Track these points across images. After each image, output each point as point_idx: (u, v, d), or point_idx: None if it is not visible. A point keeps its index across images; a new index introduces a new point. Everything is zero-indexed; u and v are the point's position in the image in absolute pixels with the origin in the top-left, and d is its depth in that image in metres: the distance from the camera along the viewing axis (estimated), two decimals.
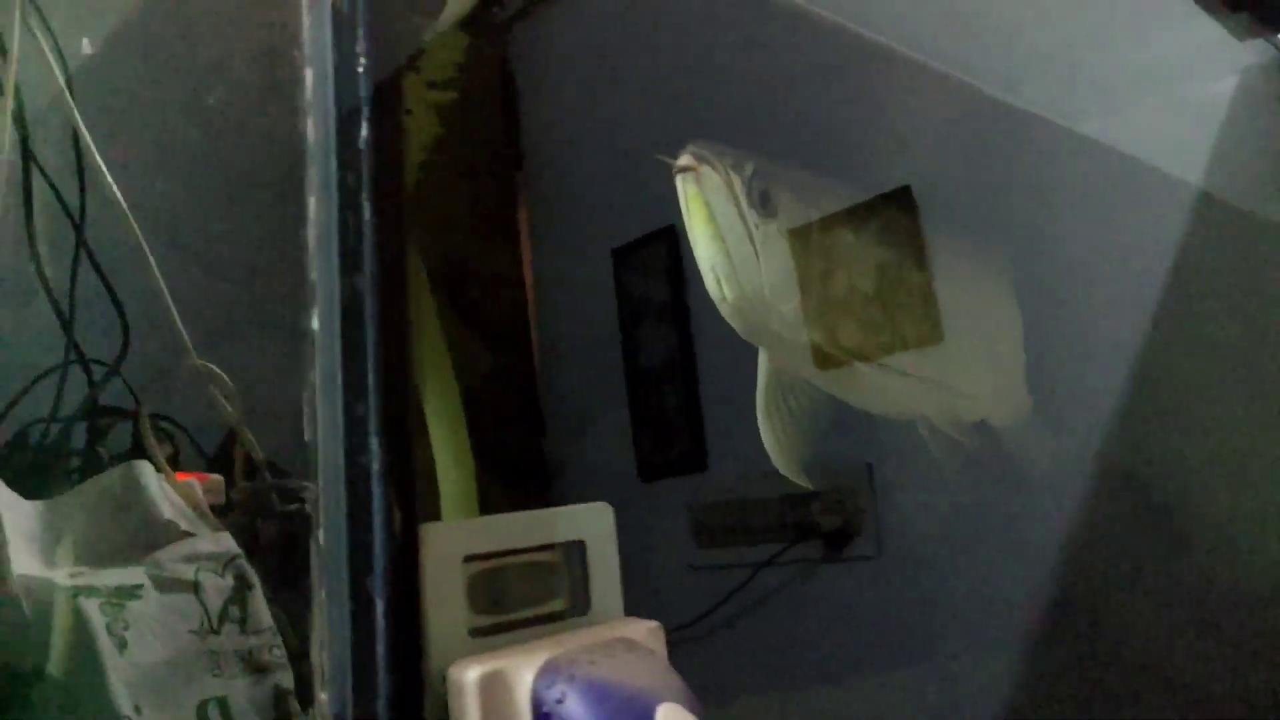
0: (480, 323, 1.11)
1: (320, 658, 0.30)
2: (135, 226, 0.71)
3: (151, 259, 0.73)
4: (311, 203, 0.31)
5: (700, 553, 1.32)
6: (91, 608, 0.61)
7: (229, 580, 0.70)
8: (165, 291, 0.73)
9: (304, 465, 0.85)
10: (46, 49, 0.70)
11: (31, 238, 0.72)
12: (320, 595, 0.30)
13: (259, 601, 0.71)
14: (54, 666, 0.56)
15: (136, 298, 0.77)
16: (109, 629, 0.60)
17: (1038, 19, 0.87)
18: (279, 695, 0.64)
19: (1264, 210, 0.95)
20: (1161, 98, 0.92)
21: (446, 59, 0.77)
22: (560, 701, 0.31)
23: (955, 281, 0.99)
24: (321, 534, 0.30)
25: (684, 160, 0.76)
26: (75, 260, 0.74)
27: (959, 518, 1.04)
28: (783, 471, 0.90)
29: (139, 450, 0.80)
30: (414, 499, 0.31)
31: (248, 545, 0.74)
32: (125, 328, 0.78)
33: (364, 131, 0.32)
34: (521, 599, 0.34)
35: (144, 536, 0.68)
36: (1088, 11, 0.90)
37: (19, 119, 0.65)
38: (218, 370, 0.77)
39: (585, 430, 1.48)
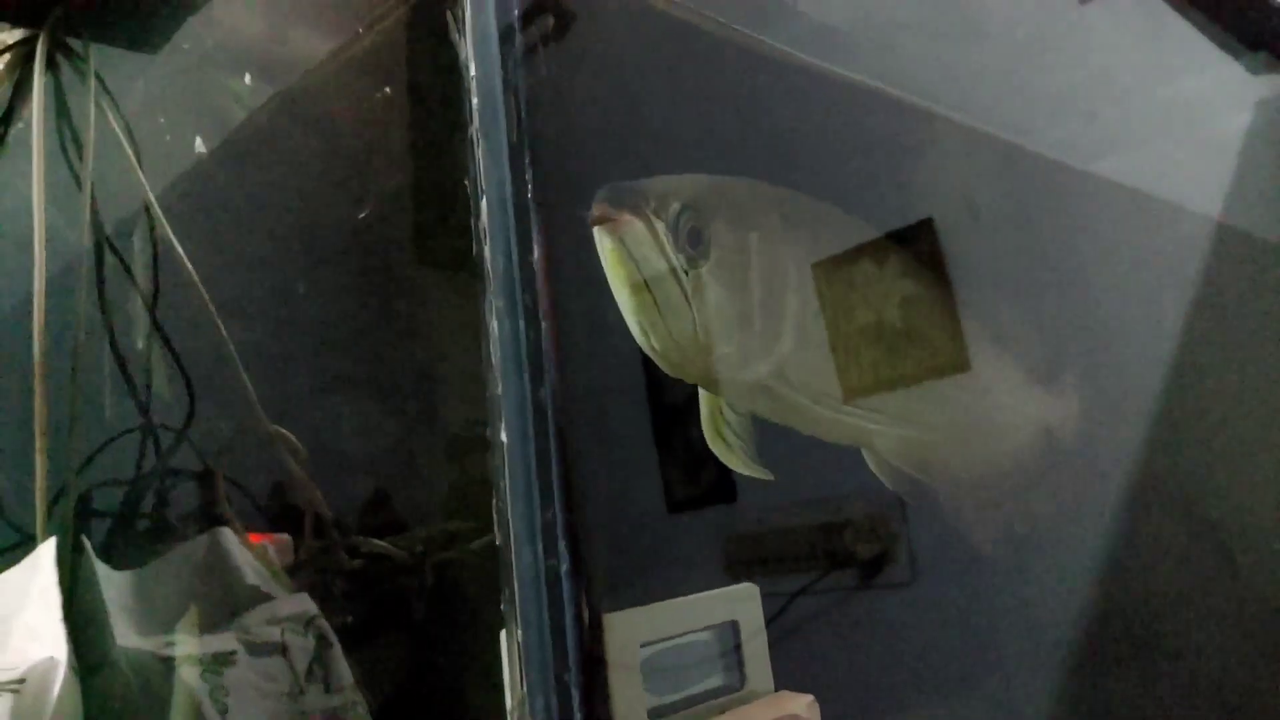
0: None
1: None
2: (205, 295, 0.73)
3: (220, 324, 0.74)
4: (494, 324, 0.33)
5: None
6: (194, 677, 0.62)
7: (311, 640, 0.72)
8: (235, 355, 0.75)
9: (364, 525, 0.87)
10: (118, 128, 0.72)
11: (105, 309, 0.74)
12: (521, 691, 0.32)
13: (339, 659, 0.73)
14: None
15: (203, 364, 0.79)
16: (212, 697, 0.62)
17: (1059, 66, 0.90)
18: None
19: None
20: (1179, 134, 0.96)
21: None
22: None
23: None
24: (520, 632, 0.32)
25: (599, 211, 0.65)
26: (150, 325, 0.76)
27: (999, 540, 1.07)
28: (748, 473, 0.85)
29: (206, 513, 0.81)
30: (595, 592, 0.33)
31: (321, 604, 0.76)
32: (191, 393, 0.80)
33: (535, 254, 0.34)
34: (686, 679, 0.36)
35: (229, 602, 0.70)
36: (1107, 55, 0.93)
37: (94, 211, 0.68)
38: (286, 432, 0.78)
39: (610, 463, 1.50)
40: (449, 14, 0.38)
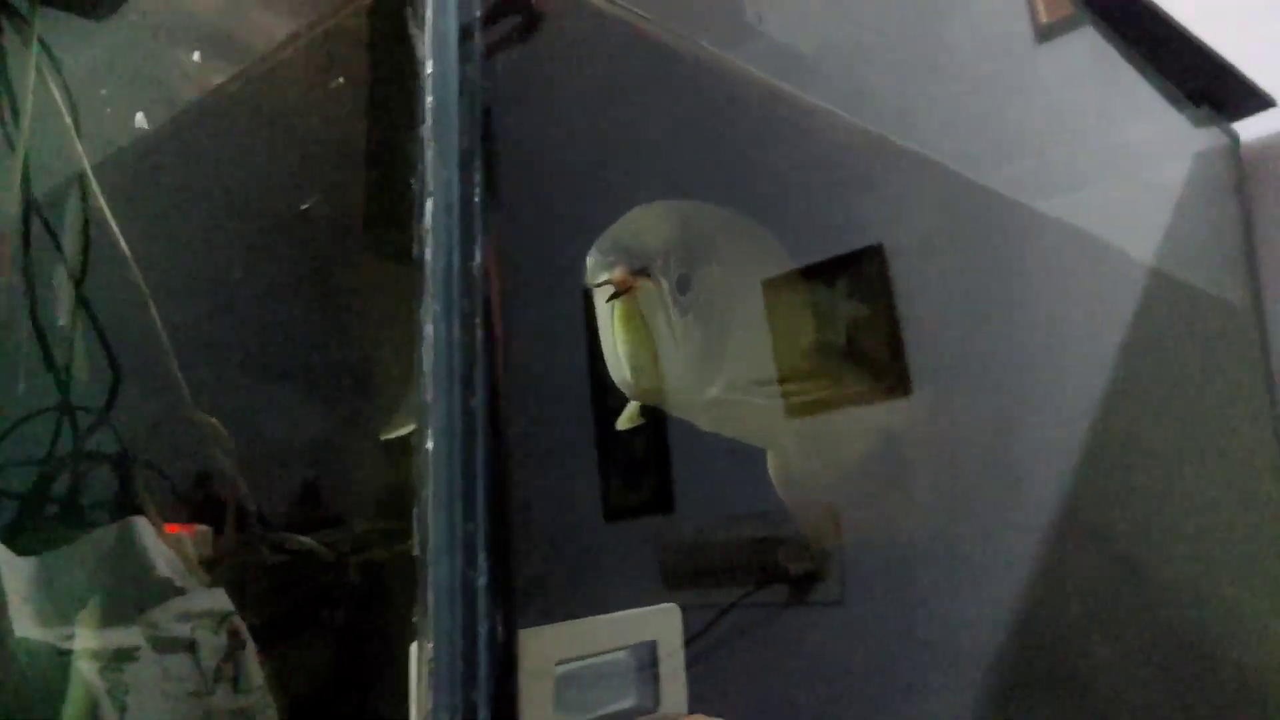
0: None
1: None
2: (138, 273, 0.70)
3: (152, 305, 0.72)
4: (428, 328, 0.33)
5: (667, 595, 1.34)
6: (93, 673, 0.59)
7: (223, 638, 0.70)
8: (165, 338, 0.72)
9: (291, 521, 0.85)
10: (58, 95, 0.69)
11: (30, 281, 0.71)
12: (428, 705, 0.31)
13: (251, 659, 0.71)
14: None
15: (130, 345, 0.76)
16: (111, 694, 0.59)
17: (1012, 104, 0.92)
18: None
19: (1212, 289, 1.01)
20: (1123, 180, 0.98)
21: None
22: None
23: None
24: (430, 645, 0.31)
25: (619, 277, 0.69)
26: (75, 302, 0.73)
27: (924, 563, 1.08)
28: None
29: (122, 500, 0.78)
30: (515, 609, 0.33)
31: (238, 600, 0.73)
32: (116, 374, 0.77)
33: (478, 259, 0.33)
34: (599, 699, 0.35)
35: (138, 594, 0.67)
36: (1058, 97, 0.95)
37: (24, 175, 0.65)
38: (213, 421, 0.76)
39: (551, 471, 1.49)
40: (408, 7, 0.37)
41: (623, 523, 1.43)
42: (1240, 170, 1.03)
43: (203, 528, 0.79)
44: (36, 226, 0.72)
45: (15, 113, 0.66)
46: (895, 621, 1.09)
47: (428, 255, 0.33)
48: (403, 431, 0.82)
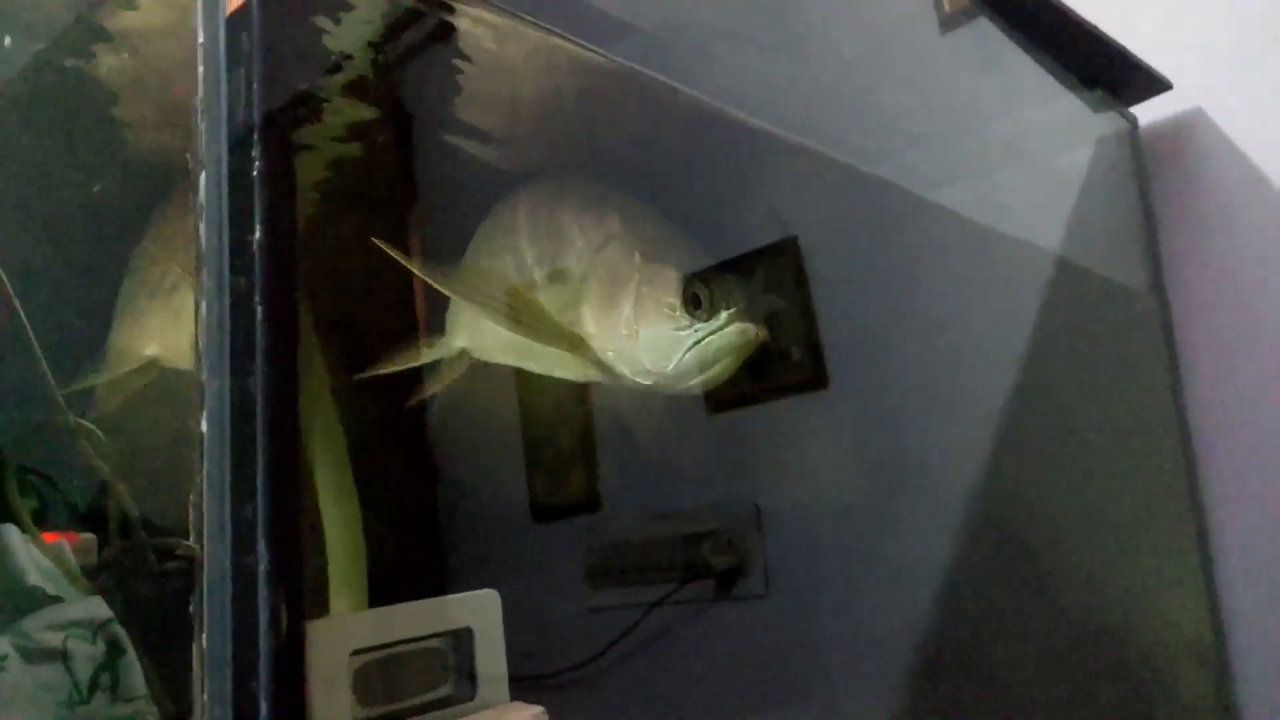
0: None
1: None
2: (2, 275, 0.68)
3: (18, 304, 0.70)
4: (203, 305, 0.31)
5: (595, 594, 1.33)
6: None
7: (101, 646, 0.68)
8: (32, 338, 0.70)
9: (182, 525, 0.82)
10: None
11: None
12: (203, 698, 0.30)
13: (133, 668, 0.69)
14: None
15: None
16: None
17: (913, 101, 0.92)
18: None
19: (1115, 274, 1.02)
20: (1025, 168, 0.99)
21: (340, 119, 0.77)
22: None
23: None
24: (205, 637, 0.30)
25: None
26: None
27: (842, 557, 1.08)
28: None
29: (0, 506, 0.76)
30: (302, 598, 0.31)
31: (122, 608, 0.71)
32: None
33: (258, 235, 0.32)
34: (408, 688, 0.34)
35: (9, 603, 0.65)
36: (963, 90, 0.96)
37: None
38: (90, 425, 0.74)
39: (478, 473, 1.48)
40: None
41: (551, 524, 1.42)
42: (1139, 154, 1.04)
43: (87, 535, 0.77)
44: None
45: None
46: (815, 613, 1.10)
47: (201, 231, 0.32)
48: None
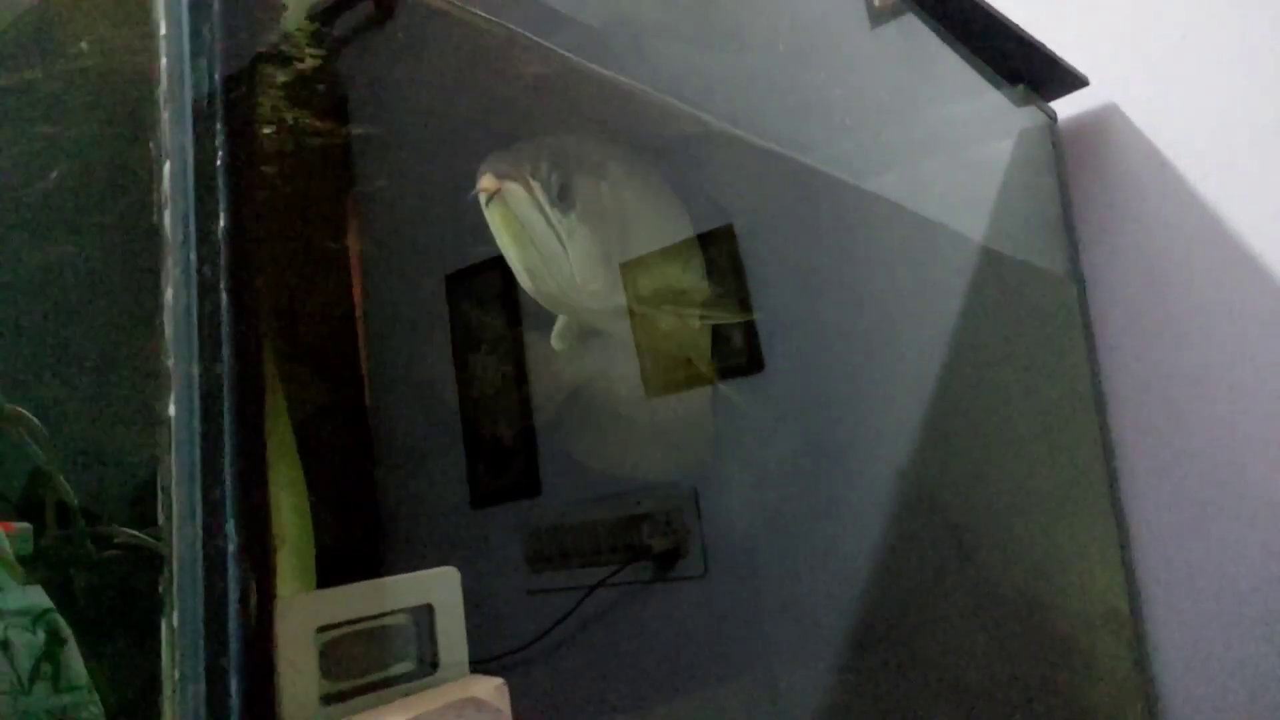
0: (309, 353, 1.09)
1: None
2: None
3: None
4: (169, 293, 0.32)
5: (535, 577, 1.35)
6: None
7: (40, 636, 0.67)
8: None
9: (119, 513, 0.81)
10: None
11: None
12: (174, 675, 0.31)
13: (73, 657, 0.68)
14: None
15: None
16: None
17: (844, 93, 0.95)
18: None
19: (1035, 259, 1.07)
20: (950, 159, 1.03)
21: (279, 100, 0.76)
22: None
23: None
24: (176, 616, 0.31)
25: (487, 183, 0.78)
26: None
27: (777, 537, 1.11)
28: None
29: None
30: (270, 577, 0.32)
31: (61, 597, 0.71)
32: None
33: (223, 223, 0.33)
34: (372, 663, 0.35)
35: None
36: (890, 83, 0.99)
37: None
38: (25, 412, 0.72)
39: (418, 458, 1.48)
40: None
41: (490, 508, 1.42)
42: (1059, 146, 1.09)
43: (23, 524, 0.76)
44: None
45: None
46: (752, 591, 1.13)
47: (166, 220, 0.32)
48: None
